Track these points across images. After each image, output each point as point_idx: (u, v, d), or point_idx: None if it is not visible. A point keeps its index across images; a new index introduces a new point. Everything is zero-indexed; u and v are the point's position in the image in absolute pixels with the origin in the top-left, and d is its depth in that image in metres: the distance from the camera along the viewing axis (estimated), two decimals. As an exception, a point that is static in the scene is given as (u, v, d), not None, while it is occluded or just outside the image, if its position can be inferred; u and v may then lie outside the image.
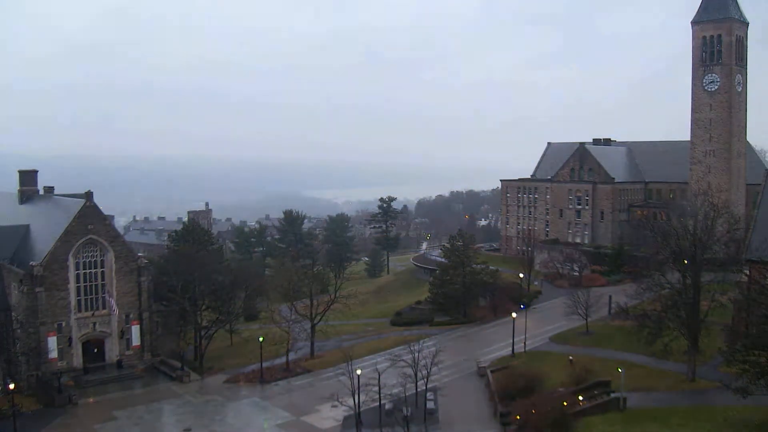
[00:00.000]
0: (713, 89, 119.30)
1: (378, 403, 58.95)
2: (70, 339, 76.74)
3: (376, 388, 58.28)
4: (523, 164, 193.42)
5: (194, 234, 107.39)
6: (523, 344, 77.49)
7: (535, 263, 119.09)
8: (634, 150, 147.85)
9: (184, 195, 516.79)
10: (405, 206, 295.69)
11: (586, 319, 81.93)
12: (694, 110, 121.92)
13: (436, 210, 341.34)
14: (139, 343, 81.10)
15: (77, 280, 77.58)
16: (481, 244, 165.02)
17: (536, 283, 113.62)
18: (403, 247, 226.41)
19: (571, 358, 70.32)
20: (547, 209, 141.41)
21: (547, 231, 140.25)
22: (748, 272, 67.05)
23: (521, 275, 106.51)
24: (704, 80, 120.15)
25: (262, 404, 67.35)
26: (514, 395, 59.63)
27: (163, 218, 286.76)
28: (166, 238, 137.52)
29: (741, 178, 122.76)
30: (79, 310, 77.71)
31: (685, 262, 64.01)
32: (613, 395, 58.14)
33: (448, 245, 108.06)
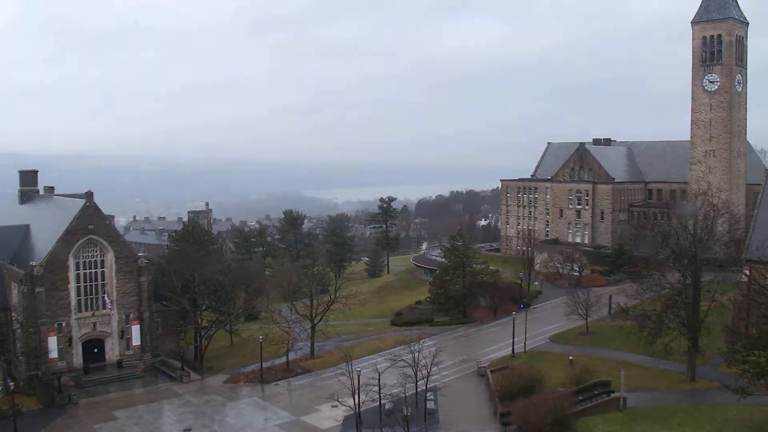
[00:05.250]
0: (713, 89, 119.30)
1: (378, 403, 58.97)
2: (70, 339, 76.70)
3: (376, 388, 58.28)
4: (523, 164, 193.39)
5: (194, 234, 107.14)
6: (523, 344, 77.48)
7: (535, 263, 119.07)
8: (634, 150, 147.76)
9: (184, 195, 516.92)
10: (405, 206, 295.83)
11: (586, 319, 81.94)
12: (694, 110, 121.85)
13: (436, 210, 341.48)
14: (139, 343, 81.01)
15: (77, 280, 77.48)
16: (481, 244, 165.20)
17: (536, 283, 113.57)
18: (403, 247, 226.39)
19: (571, 358, 70.27)
20: (547, 209, 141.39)
21: (547, 231, 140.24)
22: (748, 272, 67.28)
23: (521, 275, 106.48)
24: (704, 80, 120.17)
25: (262, 404, 67.33)
26: (514, 395, 59.53)
27: (163, 218, 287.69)
28: (166, 238, 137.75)
29: (741, 178, 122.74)
30: (80, 310, 77.66)
31: (686, 262, 64.10)
32: (613, 395, 58.17)
33: (448, 245, 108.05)
